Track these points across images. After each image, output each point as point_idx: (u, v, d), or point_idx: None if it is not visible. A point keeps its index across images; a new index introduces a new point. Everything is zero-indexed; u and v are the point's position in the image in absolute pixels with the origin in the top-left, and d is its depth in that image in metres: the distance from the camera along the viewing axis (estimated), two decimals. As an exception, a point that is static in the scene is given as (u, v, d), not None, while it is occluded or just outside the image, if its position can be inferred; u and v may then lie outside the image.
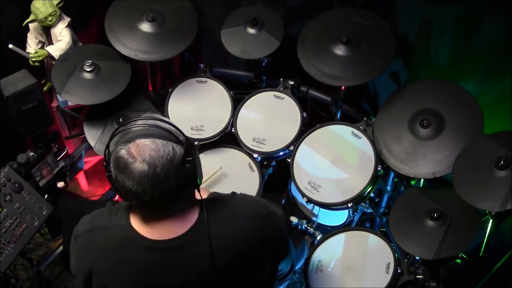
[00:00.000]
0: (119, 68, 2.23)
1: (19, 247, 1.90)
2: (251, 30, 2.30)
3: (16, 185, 1.92)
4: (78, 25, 2.48)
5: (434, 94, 1.99)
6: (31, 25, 2.37)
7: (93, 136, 2.24)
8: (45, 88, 2.53)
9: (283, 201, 2.52)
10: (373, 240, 2.04)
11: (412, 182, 2.22)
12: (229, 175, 2.29)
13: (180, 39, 2.24)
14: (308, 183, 2.13)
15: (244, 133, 2.31)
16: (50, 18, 2.28)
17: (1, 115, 2.12)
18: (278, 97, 2.35)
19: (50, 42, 2.39)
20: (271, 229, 1.36)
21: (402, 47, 2.23)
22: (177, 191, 1.22)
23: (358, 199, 2.08)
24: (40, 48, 2.38)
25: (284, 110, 2.32)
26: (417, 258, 1.95)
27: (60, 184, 2.28)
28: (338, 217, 2.38)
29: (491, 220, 1.83)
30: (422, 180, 2.17)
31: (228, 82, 2.42)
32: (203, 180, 2.13)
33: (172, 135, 1.21)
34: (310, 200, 2.11)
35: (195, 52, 2.79)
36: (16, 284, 2.44)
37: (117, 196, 2.46)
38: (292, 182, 2.19)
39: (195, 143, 2.30)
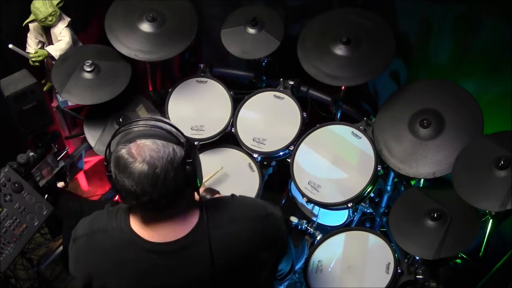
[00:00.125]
0: (119, 68, 2.23)
1: (19, 247, 1.90)
2: (251, 30, 2.30)
3: (16, 185, 1.92)
4: (78, 25, 2.48)
5: (434, 94, 1.99)
6: (31, 25, 2.37)
7: (93, 136, 2.24)
8: (45, 88, 2.54)
9: (283, 201, 2.52)
10: (373, 240, 2.04)
11: (412, 182, 2.22)
12: (229, 175, 2.29)
13: (180, 39, 2.24)
14: (308, 183, 2.13)
15: (244, 133, 2.31)
16: (50, 18, 2.28)
17: (1, 115, 2.12)
18: (278, 97, 2.35)
19: (50, 42, 2.39)
20: (271, 230, 1.36)
21: (402, 47, 2.23)
22: (177, 193, 1.21)
23: (358, 199, 2.08)
24: (40, 48, 2.38)
25: (284, 110, 2.32)
26: (417, 258, 1.95)
27: (60, 184, 2.28)
28: (338, 217, 2.38)
29: (491, 220, 1.83)
30: (422, 180, 2.17)
31: (228, 82, 2.42)
32: (204, 180, 2.14)
33: (173, 136, 1.21)
34: (310, 200, 2.11)
35: (195, 52, 2.79)
36: (16, 284, 2.44)
37: (117, 196, 2.46)
38: (292, 182, 2.19)
39: (195, 143, 2.30)
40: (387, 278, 1.92)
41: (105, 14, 2.24)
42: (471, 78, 2.05)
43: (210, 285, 1.29)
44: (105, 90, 2.16)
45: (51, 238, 2.53)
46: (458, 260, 2.00)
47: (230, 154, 2.37)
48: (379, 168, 2.08)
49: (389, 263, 1.95)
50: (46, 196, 2.05)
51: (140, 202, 1.20)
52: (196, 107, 2.37)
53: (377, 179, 2.12)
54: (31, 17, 2.32)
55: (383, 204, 2.37)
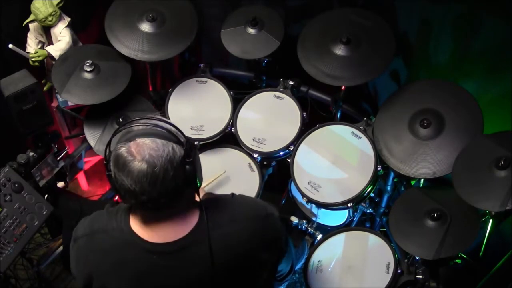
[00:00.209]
0: (119, 68, 2.23)
1: (19, 247, 1.90)
2: (251, 30, 2.30)
3: (16, 185, 1.92)
4: (78, 25, 2.48)
5: (434, 94, 1.99)
6: (31, 25, 2.37)
7: (93, 136, 2.24)
8: (45, 88, 2.53)
9: (283, 201, 2.52)
10: (373, 240, 2.04)
11: (412, 182, 2.22)
12: (229, 175, 2.29)
13: (180, 39, 2.24)
14: (308, 183, 2.13)
15: (244, 133, 2.31)
16: (50, 18, 2.28)
17: (1, 115, 2.12)
18: (278, 97, 2.35)
19: (50, 42, 2.39)
20: (271, 231, 1.36)
21: (402, 47, 2.23)
22: (176, 192, 1.21)
23: (358, 199, 2.08)
24: (40, 48, 2.38)
25: (284, 110, 2.32)
26: (417, 258, 1.95)
27: (60, 184, 2.28)
28: (338, 217, 2.38)
29: (491, 220, 1.83)
30: (422, 180, 2.17)
31: (228, 82, 2.42)
32: (206, 183, 2.14)
33: (173, 135, 1.21)
34: (310, 200, 2.11)
35: (195, 52, 2.79)
36: (16, 284, 2.44)
37: (117, 196, 2.46)
38: (292, 182, 2.19)
39: (195, 143, 2.30)
40: (387, 278, 1.92)
41: (105, 14, 2.24)
42: (471, 78, 2.05)
43: (210, 285, 1.29)
44: (105, 90, 2.16)
45: (51, 238, 2.53)
46: (458, 260, 2.00)
47: (230, 154, 2.37)
48: (379, 168, 2.07)
49: (389, 263, 1.95)
50: (46, 196, 2.05)
51: (139, 201, 1.20)
52: (196, 107, 2.37)
53: (377, 179, 2.12)
54: (31, 17, 2.32)
55: (383, 204, 2.37)
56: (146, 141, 1.17)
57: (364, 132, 2.15)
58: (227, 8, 2.49)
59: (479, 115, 1.89)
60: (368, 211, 2.32)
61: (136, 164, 1.15)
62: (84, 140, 2.28)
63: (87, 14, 2.66)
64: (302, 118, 2.27)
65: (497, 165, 1.69)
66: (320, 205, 2.12)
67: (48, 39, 2.39)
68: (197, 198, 1.31)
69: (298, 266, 2.37)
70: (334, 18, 2.20)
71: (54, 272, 2.59)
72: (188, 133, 2.30)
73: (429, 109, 1.97)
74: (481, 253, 1.94)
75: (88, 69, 2.15)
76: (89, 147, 2.28)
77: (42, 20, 2.27)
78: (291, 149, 2.22)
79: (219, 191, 2.20)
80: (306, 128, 2.25)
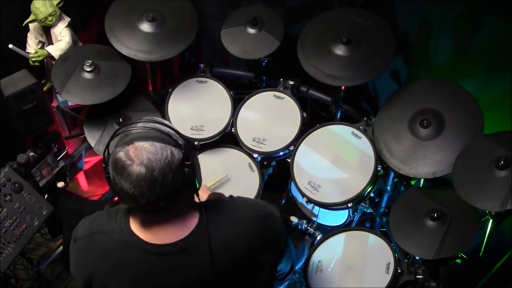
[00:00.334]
0: (119, 68, 2.23)
1: (19, 247, 1.90)
2: (251, 30, 2.30)
3: (16, 185, 1.92)
4: (78, 25, 2.48)
5: (434, 94, 1.99)
6: (31, 25, 2.37)
7: (93, 136, 2.24)
8: (45, 88, 2.53)
9: (283, 201, 2.52)
10: (373, 240, 2.04)
11: (412, 182, 2.22)
12: (229, 175, 2.29)
13: (180, 39, 2.24)
14: (308, 183, 2.13)
15: (244, 133, 2.31)
16: (50, 18, 2.28)
17: (1, 115, 2.12)
18: (278, 97, 2.35)
19: (50, 42, 2.39)
20: (271, 231, 1.36)
21: (402, 47, 2.23)
22: (175, 195, 1.21)
23: (358, 199, 2.08)
24: (40, 48, 2.38)
25: (284, 110, 2.32)
26: (417, 258, 1.95)
27: (60, 184, 2.28)
28: (338, 217, 2.38)
29: (491, 220, 1.83)
30: (422, 180, 2.17)
31: (228, 82, 2.42)
32: (208, 186, 2.14)
33: (172, 138, 1.20)
34: (310, 200, 2.11)
35: (195, 52, 2.79)
36: (16, 284, 2.44)
37: (117, 196, 2.46)
38: (292, 182, 2.19)
39: (195, 143, 2.30)
40: (387, 278, 1.92)
41: (105, 14, 2.24)
42: (471, 78, 2.05)
43: (210, 286, 1.29)
44: (105, 90, 2.16)
45: (51, 238, 2.53)
46: (458, 260, 1.99)
47: (230, 154, 2.37)
48: (379, 168, 2.07)
49: (389, 263, 1.95)
50: (46, 196, 2.05)
51: (138, 205, 1.20)
52: (196, 107, 2.37)
53: (377, 179, 2.12)
54: (31, 17, 2.32)
55: (383, 204, 2.37)
56: (145, 145, 1.16)
57: (364, 132, 2.15)
58: (227, 8, 2.48)
59: (479, 115, 1.89)
60: (368, 211, 2.32)
61: (135, 168, 1.14)
62: (84, 140, 2.28)
63: (87, 14, 2.66)
64: (302, 118, 2.27)
65: (497, 165, 1.69)
66: (320, 205, 2.12)
67: (48, 39, 2.39)
68: (196, 200, 1.31)
69: (298, 266, 2.37)
70: (334, 18, 2.20)
71: (54, 272, 2.59)
72: (188, 133, 2.30)
73: (429, 109, 1.97)
74: (481, 253, 1.94)
75: (88, 69, 2.15)
76: (89, 147, 2.28)
77: (42, 20, 2.27)
78: (291, 149, 2.22)
79: (219, 191, 2.20)
80: (306, 128, 2.25)
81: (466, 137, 1.88)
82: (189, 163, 1.21)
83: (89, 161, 2.95)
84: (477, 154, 1.79)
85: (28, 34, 2.40)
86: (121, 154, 1.16)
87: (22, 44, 2.39)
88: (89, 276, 1.30)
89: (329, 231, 2.14)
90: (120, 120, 2.22)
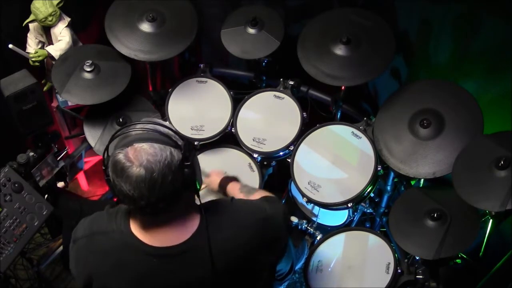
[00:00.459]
0: (119, 68, 2.23)
1: (19, 247, 1.90)
2: (251, 30, 2.30)
3: (16, 185, 1.92)
4: (78, 25, 2.48)
5: (434, 94, 1.99)
6: (31, 25, 2.37)
7: (93, 136, 2.24)
8: (45, 88, 2.53)
9: (283, 201, 2.52)
10: (373, 240, 2.04)
11: (412, 182, 2.22)
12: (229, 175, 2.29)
13: (180, 39, 2.24)
14: (308, 183, 2.13)
15: (244, 133, 2.31)
16: (50, 18, 2.28)
17: (1, 115, 2.12)
18: (278, 97, 2.35)
19: (50, 42, 2.39)
20: (271, 232, 1.36)
21: (402, 47, 2.23)
22: (175, 196, 1.21)
23: (358, 199, 2.08)
24: (40, 48, 2.38)
25: (284, 110, 2.32)
26: (417, 258, 1.95)
27: (60, 184, 2.28)
28: (338, 217, 2.38)
29: (491, 220, 1.83)
30: (422, 180, 2.17)
31: (228, 82, 2.42)
32: (205, 186, 2.13)
33: (171, 139, 1.20)
34: (310, 200, 2.11)
35: (195, 52, 2.79)
36: (16, 284, 2.44)
37: (117, 197, 2.46)
38: (292, 182, 2.19)
39: (195, 143, 2.30)
40: (387, 278, 1.92)
41: (105, 14, 2.24)
42: (471, 78, 2.05)
43: (210, 287, 1.29)
44: (105, 90, 2.16)
45: (51, 238, 2.53)
46: (458, 260, 2.00)
47: (230, 154, 2.37)
48: (379, 168, 2.07)
49: (389, 263, 1.95)
50: (46, 196, 2.05)
51: (137, 206, 1.19)
52: (196, 107, 2.37)
53: (377, 179, 2.12)
54: (31, 17, 2.32)
55: (383, 204, 2.37)
56: (144, 146, 1.16)
57: (364, 132, 2.15)
58: (227, 8, 2.49)
59: (479, 115, 1.89)
60: (368, 211, 2.32)
61: (134, 170, 1.14)
62: (84, 140, 2.28)
63: (87, 14, 2.66)
64: (302, 118, 2.27)
65: (497, 165, 1.69)
66: (320, 205, 2.12)
67: (48, 39, 2.39)
68: (197, 201, 1.30)
69: (298, 266, 2.37)
70: (334, 18, 2.20)
71: (54, 272, 2.59)
72: (188, 133, 2.30)
73: (429, 109, 1.97)
74: (481, 253, 1.94)
75: (88, 69, 2.16)
76: (89, 147, 2.28)
77: (42, 20, 2.27)
78: (291, 149, 2.22)
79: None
80: (306, 128, 2.25)
81: (466, 137, 1.88)
82: (188, 163, 1.20)
83: (89, 161, 2.95)
84: (477, 154, 1.79)
85: (28, 34, 2.40)
86: (121, 156, 1.16)
87: (22, 44, 2.39)
88: (89, 277, 1.30)
89: (329, 231, 2.14)
90: (120, 120, 2.22)
